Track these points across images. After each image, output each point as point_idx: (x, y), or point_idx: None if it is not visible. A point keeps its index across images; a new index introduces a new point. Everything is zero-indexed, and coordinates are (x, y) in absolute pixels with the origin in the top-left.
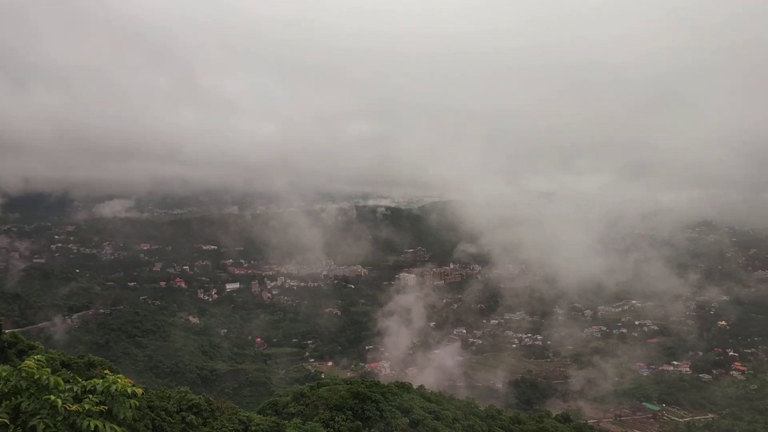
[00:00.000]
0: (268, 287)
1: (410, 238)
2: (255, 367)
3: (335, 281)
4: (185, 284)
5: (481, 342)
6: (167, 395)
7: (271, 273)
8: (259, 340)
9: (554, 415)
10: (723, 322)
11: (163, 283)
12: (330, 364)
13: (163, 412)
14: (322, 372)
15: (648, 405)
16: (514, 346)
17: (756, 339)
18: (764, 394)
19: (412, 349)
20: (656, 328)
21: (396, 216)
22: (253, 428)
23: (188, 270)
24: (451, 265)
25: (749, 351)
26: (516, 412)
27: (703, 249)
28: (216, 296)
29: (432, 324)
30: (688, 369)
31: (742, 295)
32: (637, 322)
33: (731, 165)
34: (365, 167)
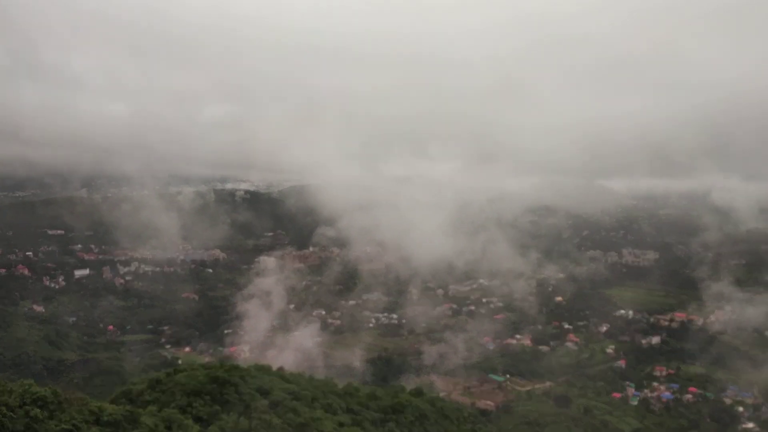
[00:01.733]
0: (121, 273)
1: (270, 221)
2: (107, 356)
3: (192, 266)
4: (29, 271)
5: (339, 322)
6: (8, 389)
7: (124, 258)
8: (111, 327)
9: (409, 390)
10: (560, 298)
11: (3, 270)
12: (187, 349)
13: (3, 407)
14: (179, 358)
15: (494, 376)
16: (371, 325)
17: (587, 312)
18: (594, 361)
19: (272, 331)
20: (501, 304)
21: (255, 200)
22: (105, 418)
23: (32, 256)
24: (311, 248)
25: (582, 323)
26: (373, 388)
27: (543, 231)
28: (64, 283)
29: (292, 306)
30: (529, 342)
31: (576, 272)
32: (484, 300)
33: (568, 154)
34: (223, 150)
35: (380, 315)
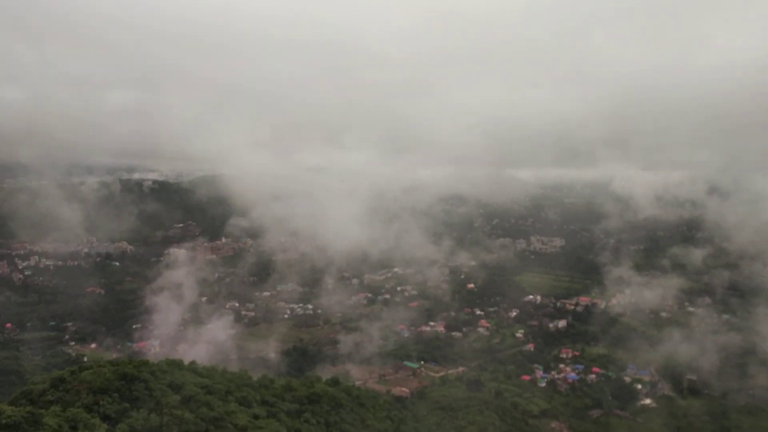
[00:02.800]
0: (20, 267)
1: (180, 212)
2: (5, 355)
3: (98, 259)
4: None
5: (253, 314)
6: None
7: (22, 252)
8: (9, 325)
9: (324, 380)
10: (472, 285)
11: None
12: (93, 346)
13: None
14: (84, 355)
15: (408, 363)
16: (286, 316)
17: (498, 298)
18: (505, 346)
19: (183, 325)
20: (416, 292)
21: (164, 190)
22: (4, 420)
23: None
24: (223, 240)
25: (493, 309)
26: (288, 379)
27: (455, 220)
28: None
29: (204, 299)
30: (442, 328)
31: (487, 260)
32: (399, 288)
33: (479, 145)
34: (128, 139)
35: (295, 306)
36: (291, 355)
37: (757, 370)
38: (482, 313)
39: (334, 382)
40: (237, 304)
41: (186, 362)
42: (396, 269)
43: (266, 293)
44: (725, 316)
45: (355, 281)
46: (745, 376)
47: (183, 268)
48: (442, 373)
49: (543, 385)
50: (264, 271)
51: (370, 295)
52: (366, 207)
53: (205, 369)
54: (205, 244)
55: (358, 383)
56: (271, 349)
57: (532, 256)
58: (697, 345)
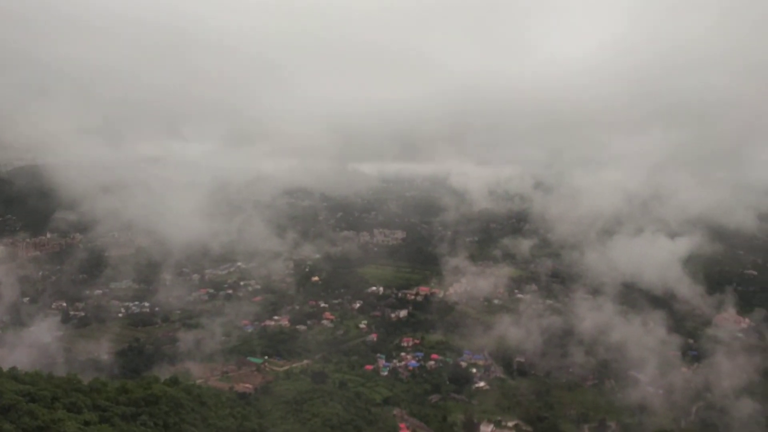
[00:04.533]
0: None
1: None
2: None
3: None
4: None
5: (84, 314)
6: None
7: None
8: None
9: (163, 380)
10: (316, 278)
11: None
12: None
13: None
14: None
15: (252, 359)
16: (120, 315)
17: (342, 290)
18: (348, 337)
19: (2, 328)
20: (259, 286)
21: None
22: None
23: None
24: (48, 235)
25: (337, 302)
26: (123, 381)
27: (300, 212)
28: None
29: (26, 299)
30: (287, 322)
31: (331, 252)
32: (242, 283)
33: (323, 138)
34: None
35: (130, 303)
36: (126, 356)
37: (575, 349)
38: (327, 305)
39: (173, 381)
40: (65, 304)
41: (5, 368)
42: (239, 263)
43: (98, 291)
44: (549, 301)
45: (195, 276)
46: (566, 355)
47: (1, 265)
48: (286, 367)
49: (385, 373)
50: (95, 268)
51: (211, 290)
52: (207, 199)
53: (27, 375)
54: (27, 239)
55: (199, 382)
56: (103, 351)
57: (375, 249)
58: (524, 329)
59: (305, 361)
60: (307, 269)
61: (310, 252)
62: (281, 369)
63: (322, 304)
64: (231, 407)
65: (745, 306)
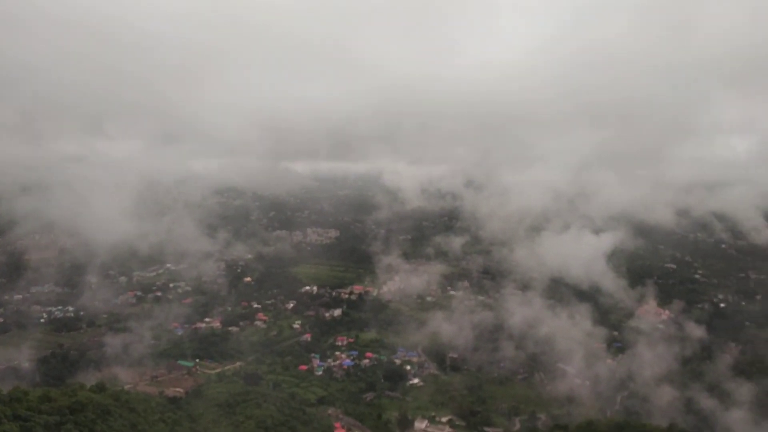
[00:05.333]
0: None
1: None
2: None
3: None
4: None
5: (2, 320)
6: None
7: None
8: None
9: (89, 387)
10: (249, 278)
11: None
12: None
13: None
14: None
15: (182, 362)
16: (42, 320)
17: (275, 291)
18: (282, 337)
19: None
20: (190, 288)
21: None
22: None
23: None
24: None
25: (270, 302)
26: (46, 389)
27: (231, 212)
28: None
29: None
30: (218, 324)
31: (264, 252)
32: (172, 284)
33: (254, 137)
34: None
35: (53, 308)
36: (49, 363)
37: (506, 344)
38: (259, 306)
39: (100, 388)
40: None
41: None
42: (168, 265)
43: (17, 296)
44: (480, 297)
45: (122, 279)
46: (497, 350)
47: None
48: (218, 370)
49: (320, 373)
50: (14, 272)
51: (139, 293)
52: (134, 200)
53: None
54: None
55: (127, 387)
56: (24, 358)
57: (309, 248)
58: (457, 325)
59: (238, 363)
60: (239, 270)
61: (242, 252)
62: (213, 372)
63: (255, 305)
64: (161, 412)
65: (665, 298)
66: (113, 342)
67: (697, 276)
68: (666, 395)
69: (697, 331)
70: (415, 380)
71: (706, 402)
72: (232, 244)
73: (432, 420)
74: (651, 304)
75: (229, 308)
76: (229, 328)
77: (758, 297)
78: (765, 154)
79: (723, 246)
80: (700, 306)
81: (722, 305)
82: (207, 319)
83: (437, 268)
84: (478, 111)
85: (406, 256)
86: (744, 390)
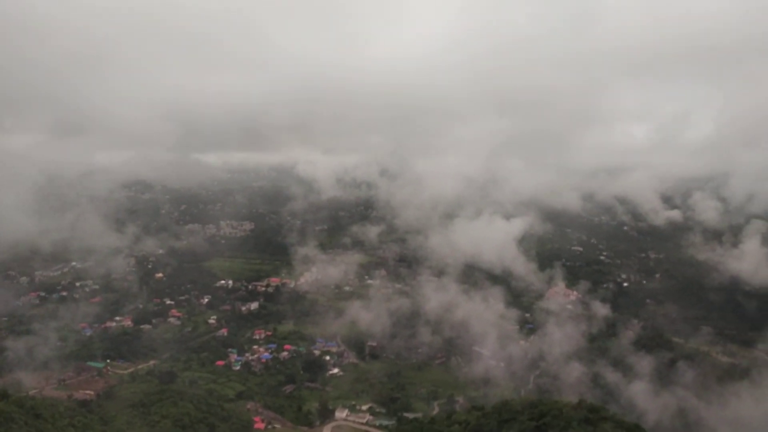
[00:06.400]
0: None
1: None
2: None
3: None
4: None
5: None
6: None
7: None
8: None
9: None
10: (160, 274)
11: None
12: None
13: None
14: None
15: (92, 363)
16: None
17: (189, 286)
18: (198, 333)
19: None
20: (98, 286)
21: None
22: None
23: None
24: None
25: (183, 298)
26: None
27: (140, 206)
28: None
29: None
30: (130, 322)
31: (176, 247)
32: (78, 283)
33: (162, 128)
34: None
35: None
36: None
37: (423, 330)
38: (173, 302)
39: (2, 395)
40: None
41: None
42: (74, 263)
43: None
44: (397, 285)
45: (24, 279)
46: (415, 336)
47: None
48: (131, 370)
49: (238, 368)
50: None
51: (43, 293)
52: (34, 195)
53: None
54: None
55: (32, 393)
56: None
57: (223, 241)
58: (375, 313)
59: (152, 362)
60: (150, 265)
61: (153, 247)
62: (126, 372)
63: (168, 301)
64: (70, 417)
65: (572, 279)
66: (15, 346)
67: (602, 257)
68: (575, 372)
69: (602, 310)
70: (335, 370)
71: (612, 376)
72: (142, 239)
73: (352, 408)
74: (560, 286)
75: (141, 305)
76: (142, 326)
77: (657, 275)
78: (661, 140)
79: (625, 228)
80: (605, 286)
81: (625, 284)
82: (117, 318)
83: (354, 258)
84: (391, 100)
85: (323, 246)
86: (645, 363)
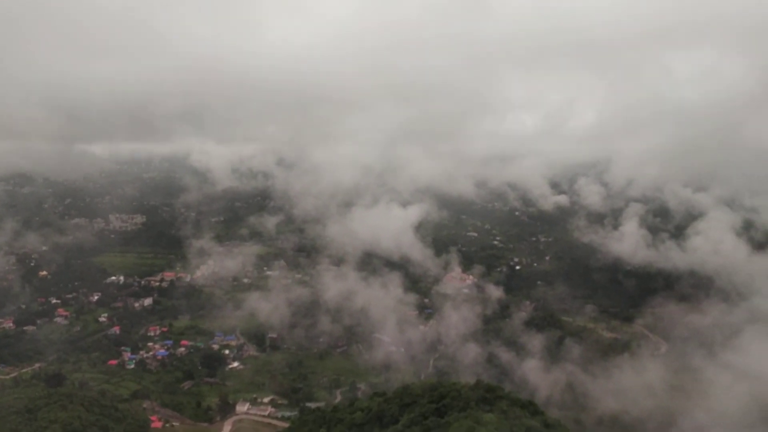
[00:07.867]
0: None
1: None
2: None
3: None
4: None
5: None
6: None
7: None
8: None
9: None
10: (44, 272)
11: None
12: None
13: None
14: None
15: None
16: None
17: (77, 283)
18: (87, 333)
19: None
20: None
21: None
22: None
23: None
24: None
25: (71, 296)
26: None
27: (20, 200)
28: None
29: None
30: (11, 324)
31: (61, 242)
32: None
33: (41, 118)
34: None
35: None
36: None
37: (323, 319)
38: (59, 301)
39: None
40: None
41: None
42: None
43: None
44: (296, 275)
45: None
46: (315, 325)
47: None
48: (14, 374)
49: (132, 366)
50: None
51: None
52: None
53: None
54: None
55: None
56: None
57: (113, 236)
58: (274, 305)
59: (37, 365)
60: (32, 263)
61: (36, 243)
62: (8, 377)
63: (54, 300)
64: None
65: (468, 264)
66: None
67: (495, 242)
68: (472, 353)
69: (496, 292)
70: (235, 364)
71: (506, 355)
72: (23, 235)
73: (254, 402)
74: (456, 271)
75: (23, 306)
76: (25, 328)
77: (547, 258)
78: (549, 128)
79: (517, 213)
80: (498, 269)
81: (517, 267)
82: None
83: (252, 249)
84: (287, 88)
85: (219, 238)
86: (536, 341)
